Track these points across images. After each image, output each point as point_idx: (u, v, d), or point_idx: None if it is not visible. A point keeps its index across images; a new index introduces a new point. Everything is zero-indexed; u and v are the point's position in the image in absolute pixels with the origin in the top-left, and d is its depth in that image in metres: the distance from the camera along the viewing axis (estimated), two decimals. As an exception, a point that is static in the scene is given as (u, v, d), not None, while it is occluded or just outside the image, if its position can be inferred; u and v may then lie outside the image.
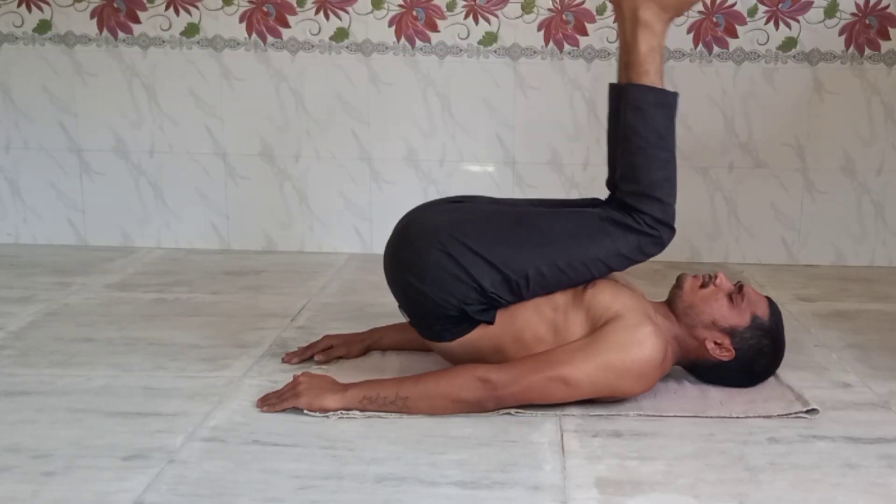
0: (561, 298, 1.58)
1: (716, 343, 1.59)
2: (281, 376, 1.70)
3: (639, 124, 1.56)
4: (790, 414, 1.55)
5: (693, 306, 1.60)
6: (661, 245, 1.58)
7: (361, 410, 1.51)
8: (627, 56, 1.57)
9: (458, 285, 1.53)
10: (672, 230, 1.57)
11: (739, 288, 1.62)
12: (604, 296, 1.56)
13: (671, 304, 1.64)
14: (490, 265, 1.53)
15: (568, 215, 1.62)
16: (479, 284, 1.53)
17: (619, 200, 1.58)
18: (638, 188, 1.56)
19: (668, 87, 1.58)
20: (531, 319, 1.57)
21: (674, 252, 2.79)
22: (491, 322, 1.56)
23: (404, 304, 1.64)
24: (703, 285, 1.62)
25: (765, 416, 1.54)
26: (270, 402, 1.55)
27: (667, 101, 1.57)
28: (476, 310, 1.55)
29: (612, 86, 1.62)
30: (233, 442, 1.42)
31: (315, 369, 1.74)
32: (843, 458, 1.39)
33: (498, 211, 1.66)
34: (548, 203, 1.71)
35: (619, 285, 1.61)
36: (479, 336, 1.57)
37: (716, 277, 1.63)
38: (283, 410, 1.53)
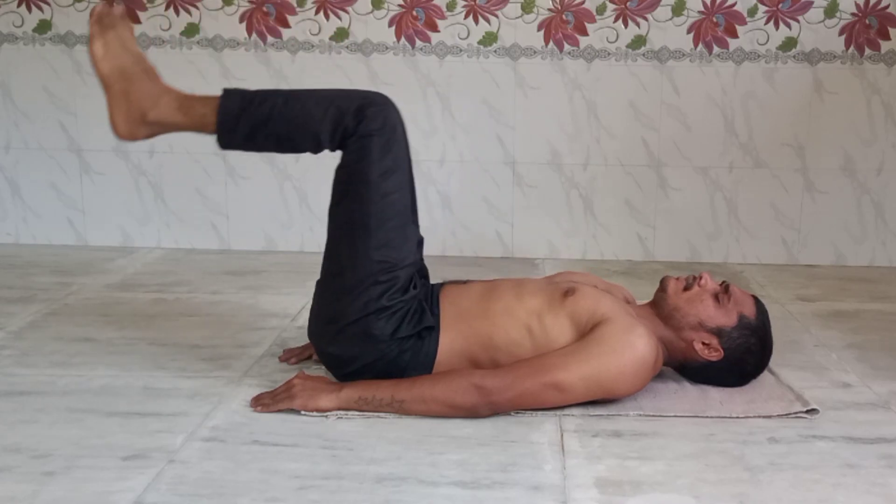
0: (534, 301, 1.58)
1: (704, 344, 1.59)
2: (281, 376, 1.70)
3: (256, 131, 1.51)
4: (790, 414, 1.55)
5: (678, 308, 1.60)
6: (380, 108, 1.50)
7: (357, 411, 1.52)
8: (188, 131, 1.57)
9: (369, 331, 1.52)
10: (369, 99, 1.50)
11: (725, 288, 1.61)
12: (586, 301, 1.56)
13: (656, 307, 1.64)
14: (355, 296, 1.52)
15: (335, 208, 1.58)
16: (373, 311, 1.52)
17: (340, 147, 1.54)
18: (321, 134, 1.50)
19: (216, 98, 1.53)
20: (499, 323, 1.56)
21: (674, 252, 2.82)
22: (431, 325, 1.55)
23: (360, 374, 1.59)
24: (688, 287, 1.62)
25: (765, 416, 1.54)
26: (264, 402, 1.55)
27: (233, 101, 1.52)
28: (407, 325, 1.54)
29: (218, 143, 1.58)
30: (233, 442, 1.42)
31: (313, 369, 1.74)
32: (843, 458, 1.39)
33: (318, 280, 1.63)
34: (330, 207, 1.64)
35: (598, 290, 1.61)
36: (447, 355, 1.56)
37: (700, 278, 1.62)
38: (281, 411, 1.52)
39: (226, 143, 1.55)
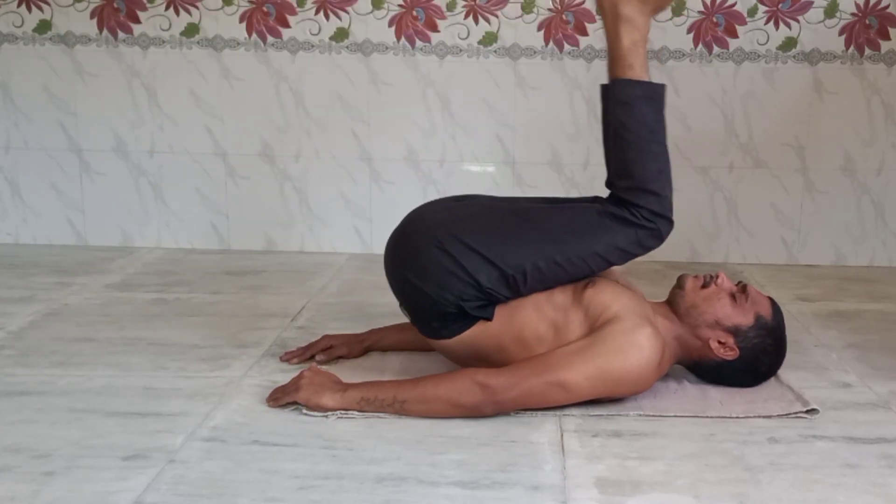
0: (561, 297, 1.58)
1: (720, 342, 1.59)
2: (281, 376, 1.70)
3: (627, 119, 1.55)
4: (790, 414, 1.55)
5: (696, 306, 1.60)
6: (660, 238, 1.57)
7: (359, 411, 1.52)
8: (612, 52, 1.58)
9: (456, 282, 1.53)
10: (670, 222, 1.57)
11: (743, 288, 1.62)
12: (603, 295, 1.56)
13: (672, 305, 1.64)
14: (487, 261, 1.54)
15: (565, 211, 1.62)
16: (475, 280, 1.53)
17: (616, 196, 1.58)
18: (632, 182, 1.55)
19: (655, 80, 1.57)
20: (531, 318, 1.57)
21: (674, 252, 2.82)
22: (489, 318, 1.56)
23: (403, 301, 1.64)
24: (705, 285, 1.62)
25: (765, 416, 1.54)
26: (275, 396, 1.56)
27: (654, 94, 1.57)
28: (474, 306, 1.55)
29: (602, 86, 1.62)
30: (233, 442, 1.42)
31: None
32: (843, 458, 1.39)
33: (496, 208, 1.67)
34: (547, 200, 1.71)
35: (619, 286, 1.61)
36: (478, 333, 1.57)
37: (717, 277, 1.63)
38: (284, 410, 1.53)
39: (616, 93, 1.57)
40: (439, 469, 1.33)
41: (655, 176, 1.55)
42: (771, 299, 1.65)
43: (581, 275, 1.58)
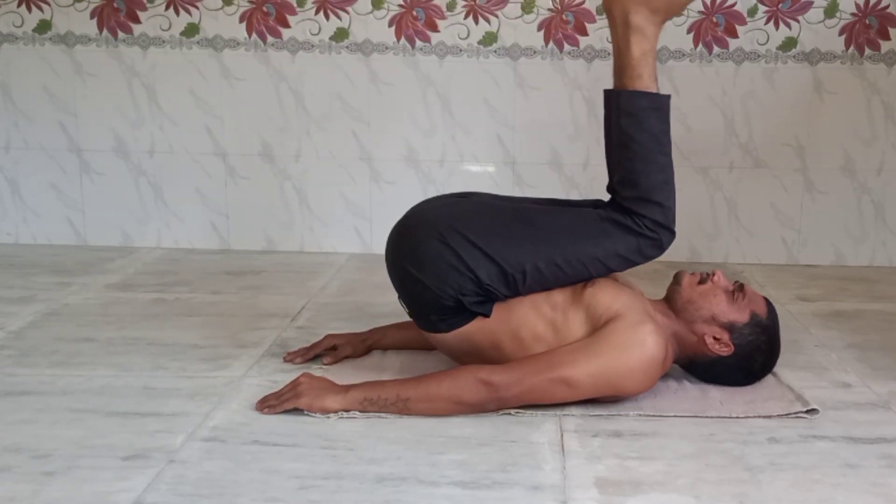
0: (560, 297, 1.58)
1: (715, 338, 1.59)
2: (281, 376, 1.70)
3: (634, 130, 1.55)
4: (790, 414, 1.55)
5: (692, 301, 1.61)
6: (661, 248, 1.58)
7: (362, 412, 1.52)
8: (620, 60, 1.56)
9: (456, 276, 1.54)
10: (672, 233, 1.58)
11: (740, 286, 1.63)
12: (604, 295, 1.56)
13: (669, 301, 1.65)
14: (488, 257, 1.54)
15: (568, 214, 1.62)
16: (475, 276, 1.53)
17: (619, 204, 1.59)
18: (637, 193, 1.56)
19: (661, 91, 1.58)
20: (528, 316, 1.57)
21: (674, 252, 2.78)
22: (487, 315, 1.56)
23: (402, 293, 1.64)
24: (702, 282, 1.63)
25: (765, 416, 1.54)
26: (270, 403, 1.55)
27: (661, 105, 1.57)
28: (472, 301, 1.55)
29: (606, 92, 1.62)
30: (233, 442, 1.42)
31: (315, 370, 1.74)
32: (843, 458, 1.39)
33: (499, 206, 1.67)
34: (550, 202, 1.71)
35: (618, 284, 1.62)
36: (475, 330, 1.57)
37: (713, 275, 1.64)
38: (286, 410, 1.53)
39: (622, 104, 1.56)
40: (439, 469, 1.33)
41: (660, 187, 1.56)
42: (766, 299, 1.66)
43: (580, 278, 1.59)
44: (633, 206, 1.56)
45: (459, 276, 1.54)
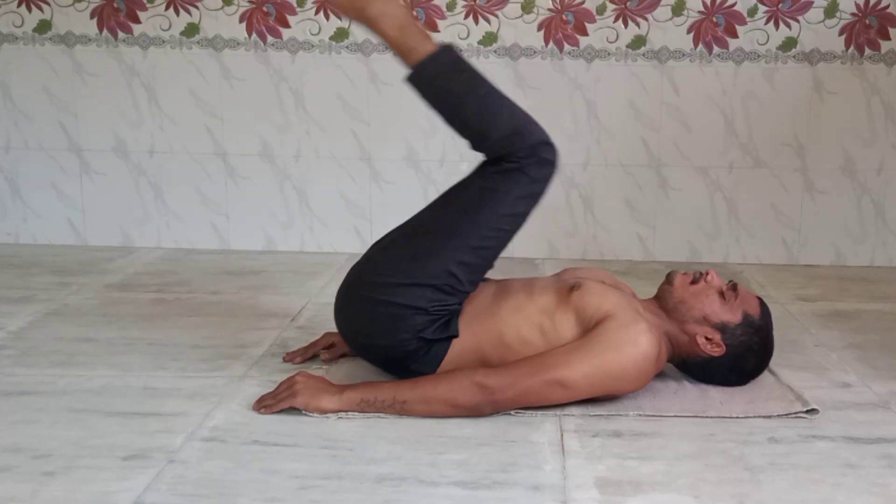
0: (544, 299, 1.58)
1: (707, 338, 1.59)
2: (281, 376, 1.69)
3: (446, 94, 1.56)
4: (790, 414, 1.55)
5: (684, 301, 1.61)
6: (550, 164, 1.57)
7: (359, 412, 1.51)
8: (391, 47, 1.58)
9: (402, 321, 1.54)
10: (548, 144, 1.56)
11: (733, 286, 1.62)
12: (591, 297, 1.56)
13: (661, 301, 1.65)
14: (415, 285, 1.54)
15: (453, 197, 1.61)
16: (417, 307, 1.54)
17: (489, 159, 1.58)
18: (492, 139, 1.55)
19: (435, 46, 1.56)
20: (511, 321, 1.57)
21: (674, 252, 2.82)
22: (455, 335, 1.57)
23: (375, 363, 1.66)
24: (694, 281, 1.63)
25: (765, 416, 1.54)
26: (266, 403, 1.54)
27: (447, 58, 1.56)
28: (433, 330, 1.55)
29: (406, 81, 1.60)
30: (233, 442, 1.42)
31: (314, 369, 1.74)
32: (843, 458, 1.39)
33: (392, 236, 1.66)
34: (440, 197, 1.67)
35: (605, 286, 1.62)
36: (456, 353, 1.57)
37: (706, 274, 1.63)
38: (281, 411, 1.52)
39: (415, 82, 1.57)
40: (439, 469, 1.33)
41: (506, 118, 1.55)
42: (760, 299, 1.65)
43: (506, 241, 1.58)
44: (499, 151, 1.55)
45: (405, 318, 1.54)
